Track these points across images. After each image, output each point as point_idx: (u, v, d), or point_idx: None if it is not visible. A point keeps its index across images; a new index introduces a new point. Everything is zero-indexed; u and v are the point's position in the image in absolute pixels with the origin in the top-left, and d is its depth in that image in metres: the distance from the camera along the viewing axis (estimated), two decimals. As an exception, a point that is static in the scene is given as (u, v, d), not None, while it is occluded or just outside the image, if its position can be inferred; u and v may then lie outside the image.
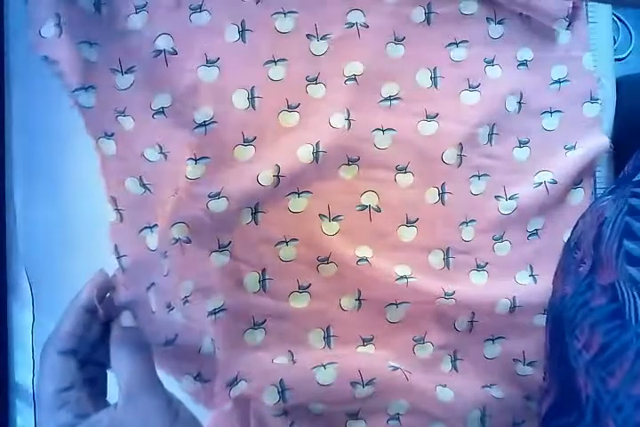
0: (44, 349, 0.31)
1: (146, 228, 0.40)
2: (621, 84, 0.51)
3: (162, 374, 0.33)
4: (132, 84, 0.42)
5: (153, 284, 0.38)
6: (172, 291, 0.41)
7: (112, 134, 0.41)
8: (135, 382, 0.31)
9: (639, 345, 0.24)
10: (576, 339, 0.27)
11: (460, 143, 0.46)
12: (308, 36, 0.45)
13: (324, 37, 0.45)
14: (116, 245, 0.38)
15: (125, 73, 0.42)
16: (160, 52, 0.42)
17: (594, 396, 0.25)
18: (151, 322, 0.36)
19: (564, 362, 0.28)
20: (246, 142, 0.44)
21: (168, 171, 0.42)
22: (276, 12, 0.44)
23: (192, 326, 0.42)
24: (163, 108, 0.43)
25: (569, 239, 0.34)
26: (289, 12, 0.44)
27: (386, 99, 0.46)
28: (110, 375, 0.32)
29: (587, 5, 0.49)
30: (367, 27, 0.45)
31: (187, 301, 0.43)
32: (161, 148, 0.42)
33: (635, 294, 0.25)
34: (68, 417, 0.30)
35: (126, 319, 0.33)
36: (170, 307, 0.41)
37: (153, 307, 0.37)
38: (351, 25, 0.45)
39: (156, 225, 0.40)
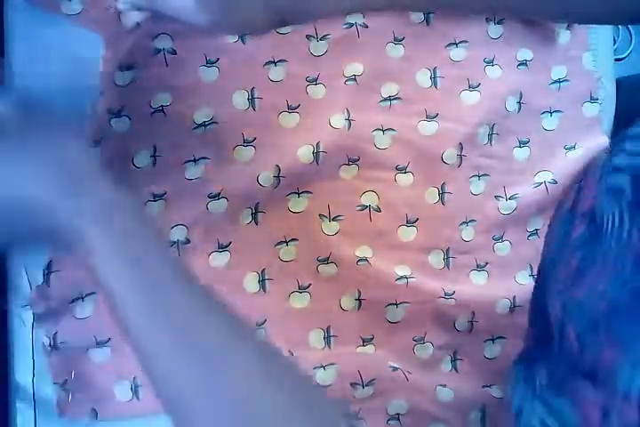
0: None
1: None
2: (621, 84, 0.51)
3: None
4: (131, 81, 0.42)
5: (91, 293, 0.42)
6: None
7: (99, 140, 0.42)
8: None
9: (611, 251, 0.23)
10: (555, 273, 0.27)
11: (460, 143, 0.46)
12: (307, 36, 0.44)
13: (323, 38, 0.45)
14: (50, 262, 0.41)
15: (126, 70, 0.42)
16: (159, 51, 0.42)
17: (559, 313, 0.25)
18: (75, 326, 0.41)
19: (542, 299, 0.28)
20: (246, 143, 0.44)
21: (151, 176, 0.43)
22: None
23: None
24: (162, 106, 0.43)
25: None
26: None
27: (386, 99, 0.46)
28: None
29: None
30: (366, 27, 0.45)
31: None
32: (155, 150, 0.43)
33: (613, 205, 0.25)
34: None
35: None
36: None
37: (78, 314, 0.42)
38: (350, 25, 0.45)
39: None
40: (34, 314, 0.42)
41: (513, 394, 0.26)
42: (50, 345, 0.41)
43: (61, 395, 0.42)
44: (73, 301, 0.42)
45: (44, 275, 0.41)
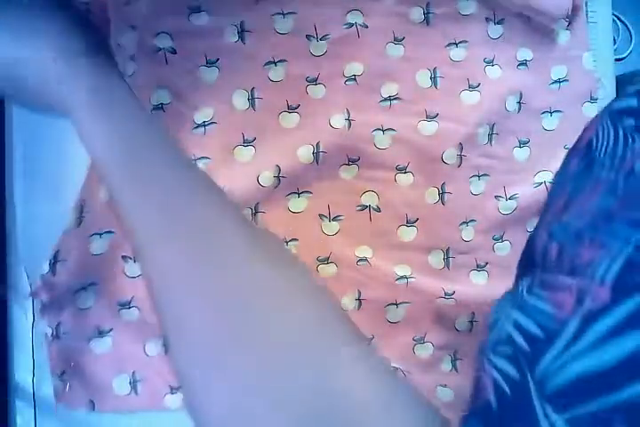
0: None
1: (95, 234, 0.42)
2: (621, 84, 0.51)
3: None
4: (133, 73, 0.42)
5: (93, 283, 0.42)
6: (141, 291, 0.43)
7: None
8: None
9: (603, 173, 0.23)
10: (547, 211, 0.27)
11: (460, 143, 0.46)
12: (307, 36, 0.44)
13: (323, 38, 0.45)
14: (57, 251, 0.42)
15: (129, 60, 0.42)
16: (159, 49, 0.42)
17: (545, 240, 0.25)
18: (78, 316, 0.41)
19: (532, 240, 0.28)
20: (246, 143, 0.44)
21: None
22: (276, 13, 0.44)
23: (139, 327, 0.43)
24: (162, 104, 0.43)
25: None
26: (288, 13, 0.44)
27: (386, 99, 0.46)
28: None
29: (586, 5, 0.49)
30: (367, 27, 0.45)
31: None
32: None
33: (608, 124, 0.24)
34: None
35: None
36: (125, 305, 0.43)
37: (81, 305, 0.42)
38: (350, 25, 0.45)
39: (108, 232, 0.42)
40: (34, 308, 0.42)
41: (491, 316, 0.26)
42: (52, 335, 0.42)
43: (58, 385, 0.42)
44: (77, 291, 0.42)
45: (50, 264, 0.41)
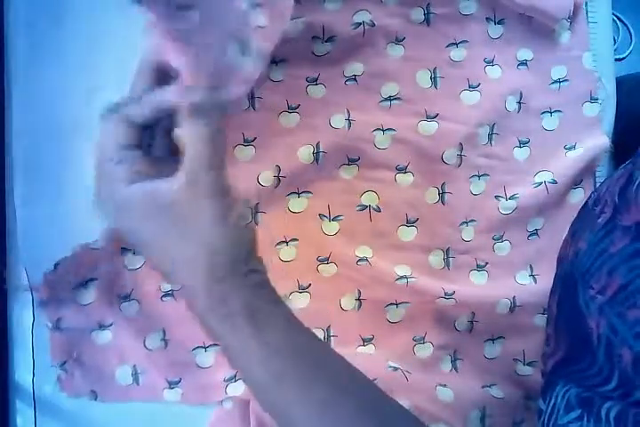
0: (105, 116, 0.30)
1: None
2: (621, 84, 0.51)
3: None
4: None
5: (93, 279, 0.42)
6: (140, 283, 0.43)
7: None
8: (201, 161, 0.29)
9: None
10: (590, 288, 0.27)
11: (460, 143, 0.46)
12: (313, 38, 0.44)
13: (329, 40, 0.44)
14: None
15: None
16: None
17: (607, 331, 0.24)
18: (78, 312, 0.42)
19: (574, 315, 0.27)
20: (246, 142, 0.44)
21: None
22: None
23: (140, 320, 0.43)
24: None
25: (586, 202, 0.34)
26: (295, 18, 0.43)
27: (386, 99, 0.46)
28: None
29: (586, 5, 0.49)
30: (373, 26, 0.45)
31: (169, 294, 0.43)
32: None
33: None
34: (123, 172, 0.30)
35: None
36: (126, 298, 0.43)
37: (81, 301, 0.42)
38: (358, 25, 0.44)
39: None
40: (34, 307, 0.42)
41: (558, 412, 0.26)
42: (53, 327, 0.42)
43: (60, 374, 0.42)
44: (76, 287, 0.42)
45: (55, 265, 0.41)
